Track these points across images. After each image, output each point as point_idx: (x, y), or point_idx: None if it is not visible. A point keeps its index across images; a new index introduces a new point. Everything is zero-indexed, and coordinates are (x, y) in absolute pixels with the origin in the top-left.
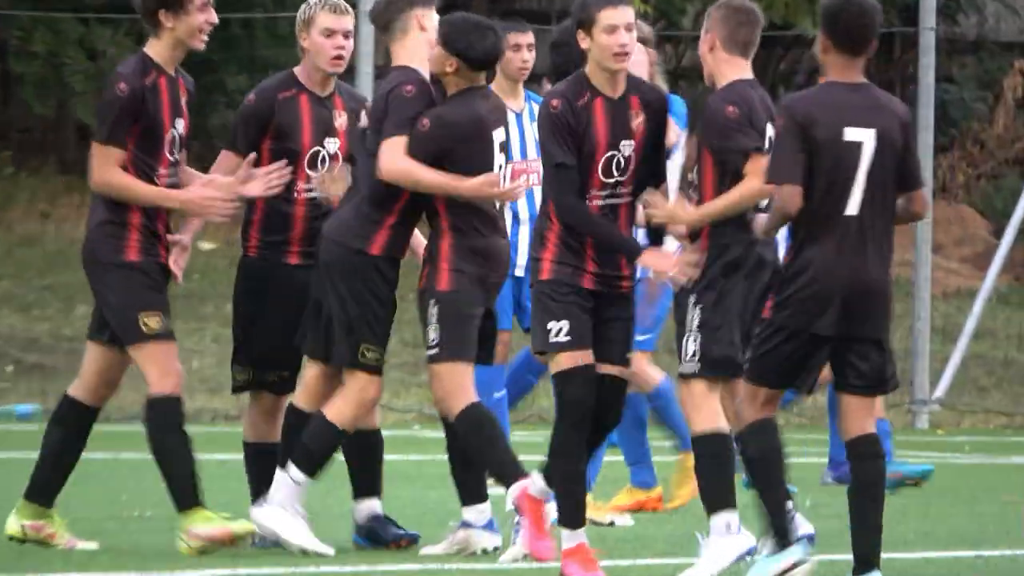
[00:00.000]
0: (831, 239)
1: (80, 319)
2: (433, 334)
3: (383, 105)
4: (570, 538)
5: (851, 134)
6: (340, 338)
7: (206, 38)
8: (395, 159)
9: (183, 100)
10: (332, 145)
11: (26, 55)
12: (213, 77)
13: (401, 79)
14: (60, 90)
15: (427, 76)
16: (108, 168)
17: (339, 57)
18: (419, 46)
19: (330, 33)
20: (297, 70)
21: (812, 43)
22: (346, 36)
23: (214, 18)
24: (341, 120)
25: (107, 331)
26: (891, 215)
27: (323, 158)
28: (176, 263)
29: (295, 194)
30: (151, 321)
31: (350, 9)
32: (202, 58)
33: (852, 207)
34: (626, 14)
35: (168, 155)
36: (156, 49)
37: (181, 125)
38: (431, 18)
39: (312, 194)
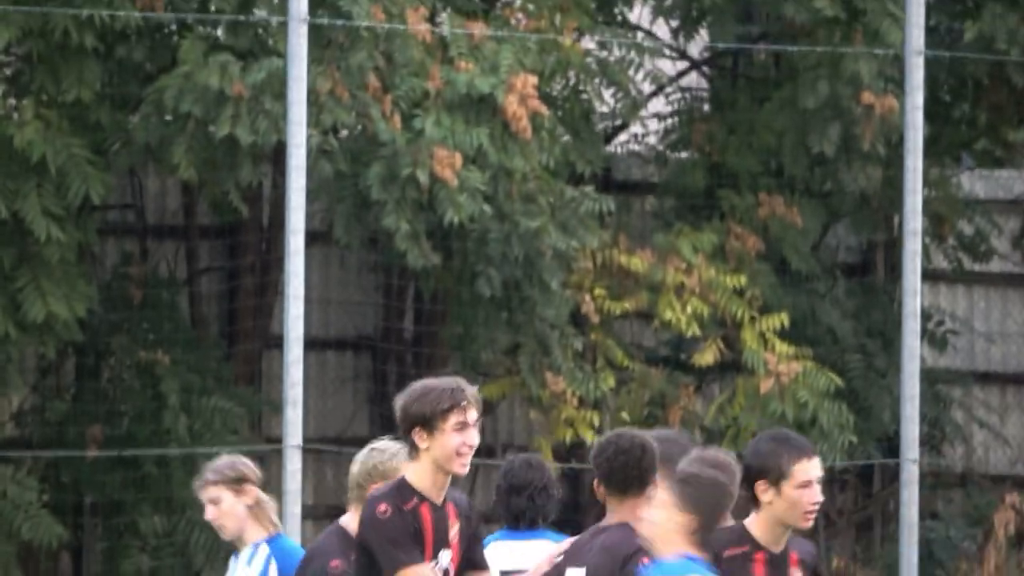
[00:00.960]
0: None
1: None
2: None
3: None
4: None
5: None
6: None
7: (466, 463)
8: None
9: (453, 529)
10: (445, 558)
11: None
12: (125, 519)
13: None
14: None
15: None
16: None
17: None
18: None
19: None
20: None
21: None
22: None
23: (472, 440)
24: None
25: None
26: None
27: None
28: None
29: None
30: None
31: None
32: (114, 500)
33: None
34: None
35: None
36: (415, 474)
37: (446, 557)
38: None
39: None
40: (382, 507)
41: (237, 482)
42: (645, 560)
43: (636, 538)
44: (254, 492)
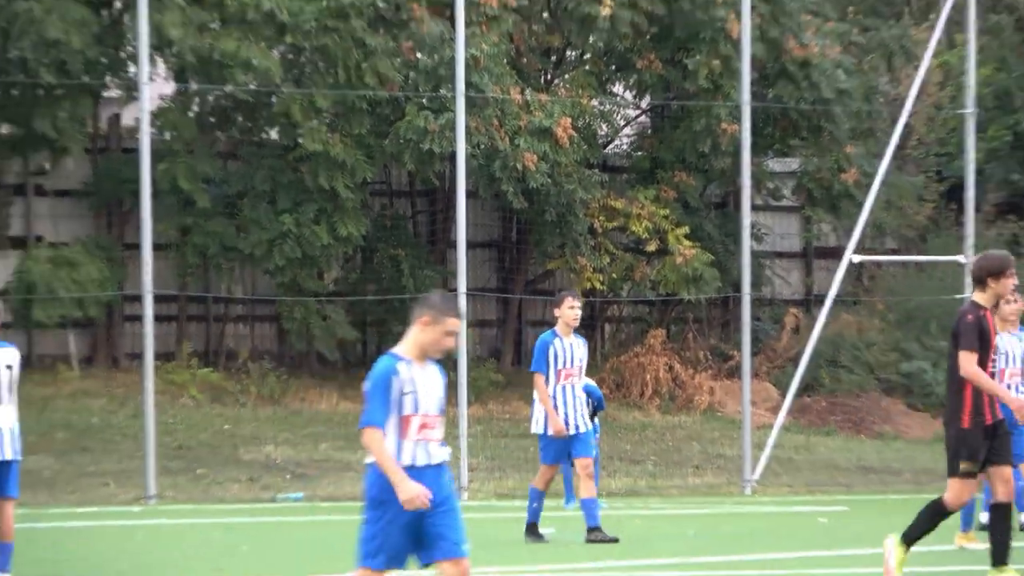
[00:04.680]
0: None
1: None
2: None
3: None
4: None
5: None
6: None
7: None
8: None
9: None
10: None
11: None
12: (384, 328)
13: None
14: None
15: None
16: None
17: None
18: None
19: None
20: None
21: None
22: None
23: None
24: None
25: None
26: None
27: None
28: None
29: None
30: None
31: None
32: (380, 319)
33: None
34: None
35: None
36: (982, 297)
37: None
38: None
39: None
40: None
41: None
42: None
43: None
44: None
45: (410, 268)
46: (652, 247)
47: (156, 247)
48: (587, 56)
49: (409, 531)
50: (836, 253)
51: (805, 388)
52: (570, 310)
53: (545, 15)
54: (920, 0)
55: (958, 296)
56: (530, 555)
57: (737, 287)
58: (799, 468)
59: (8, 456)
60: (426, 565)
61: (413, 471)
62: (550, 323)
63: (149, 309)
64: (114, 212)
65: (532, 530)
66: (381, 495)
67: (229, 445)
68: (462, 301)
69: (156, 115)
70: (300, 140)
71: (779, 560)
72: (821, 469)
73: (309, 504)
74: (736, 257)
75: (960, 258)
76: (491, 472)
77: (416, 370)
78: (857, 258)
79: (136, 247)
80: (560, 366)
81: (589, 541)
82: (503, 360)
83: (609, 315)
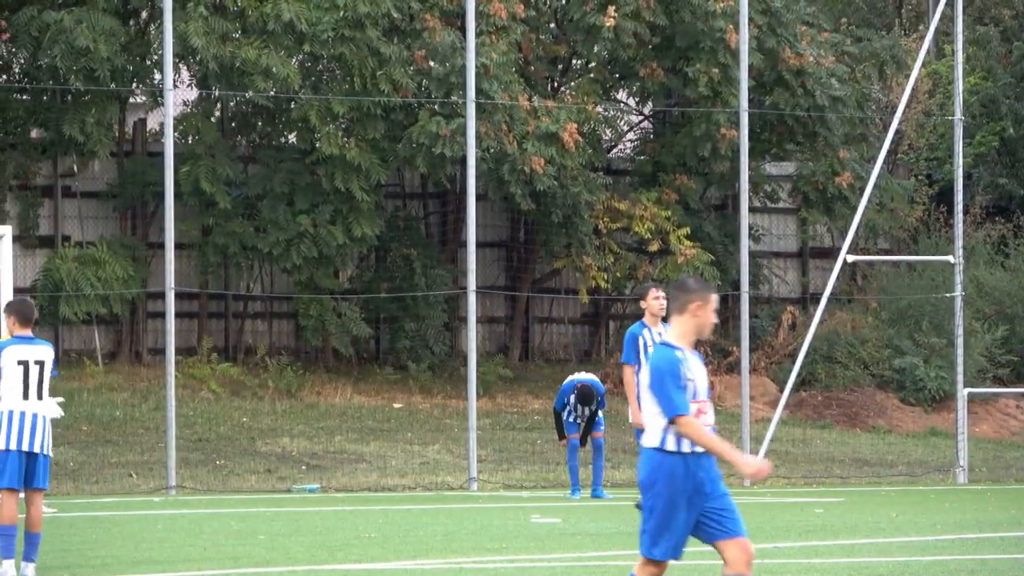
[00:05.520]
0: None
1: None
2: None
3: None
4: None
5: None
6: None
7: None
8: None
9: None
10: None
11: None
12: (396, 325)
13: None
14: None
15: None
16: None
17: None
18: None
19: None
20: None
21: None
22: None
23: None
24: None
25: None
26: None
27: None
28: None
29: None
30: None
31: None
32: (393, 316)
33: None
34: None
35: None
36: None
37: None
38: None
39: None
40: None
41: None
42: None
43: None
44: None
45: (422, 267)
46: (654, 247)
47: (178, 246)
48: (592, 64)
49: (688, 516)
50: (831, 253)
51: (802, 383)
52: (655, 301)
53: (552, 25)
54: (910, 12)
55: (948, 295)
56: (537, 544)
57: (736, 286)
58: (796, 460)
59: (40, 449)
60: (709, 542)
61: (692, 457)
62: (557, 320)
63: (171, 306)
64: (138, 213)
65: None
66: (656, 483)
67: (247, 437)
68: (471, 299)
69: (179, 120)
70: (317, 144)
71: (777, 550)
72: (817, 461)
73: (324, 495)
74: (735, 257)
75: (950, 258)
76: (499, 464)
77: (690, 358)
78: (851, 258)
79: (159, 246)
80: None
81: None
82: (511, 355)
83: (613, 312)
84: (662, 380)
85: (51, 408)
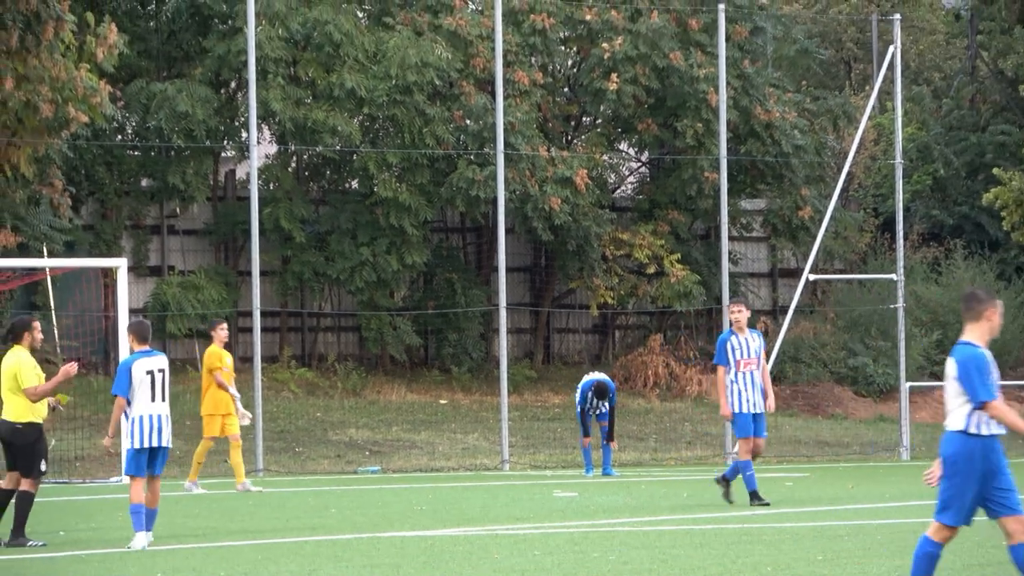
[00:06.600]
0: None
1: None
2: None
3: None
4: None
5: None
6: None
7: None
8: None
9: None
10: None
11: None
12: (440, 336)
13: None
14: None
15: None
16: None
17: None
18: None
19: None
20: None
21: None
22: None
23: None
24: None
25: None
26: None
27: None
28: None
29: None
30: None
31: None
32: (438, 329)
33: None
34: None
35: None
36: None
37: None
38: None
39: None
40: None
41: None
42: None
43: None
44: None
45: (462, 288)
46: (651, 270)
47: (263, 273)
48: (599, 121)
49: (979, 491)
50: (796, 273)
51: (773, 379)
52: (733, 314)
53: (566, 89)
54: (858, 75)
55: (892, 306)
56: (559, 514)
57: (719, 300)
58: (769, 443)
59: (162, 443)
60: (994, 518)
61: (989, 440)
62: (572, 330)
63: (257, 322)
64: (230, 246)
65: (755, 496)
66: (957, 461)
67: (320, 429)
68: (503, 314)
69: (263, 170)
70: (375, 188)
71: (755, 515)
72: (787, 443)
73: (383, 475)
74: (717, 277)
75: (893, 276)
76: (526, 448)
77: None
78: (812, 277)
79: (247, 273)
80: (739, 357)
81: (752, 504)
82: (535, 360)
83: (618, 323)
84: (968, 372)
85: (243, 417)
